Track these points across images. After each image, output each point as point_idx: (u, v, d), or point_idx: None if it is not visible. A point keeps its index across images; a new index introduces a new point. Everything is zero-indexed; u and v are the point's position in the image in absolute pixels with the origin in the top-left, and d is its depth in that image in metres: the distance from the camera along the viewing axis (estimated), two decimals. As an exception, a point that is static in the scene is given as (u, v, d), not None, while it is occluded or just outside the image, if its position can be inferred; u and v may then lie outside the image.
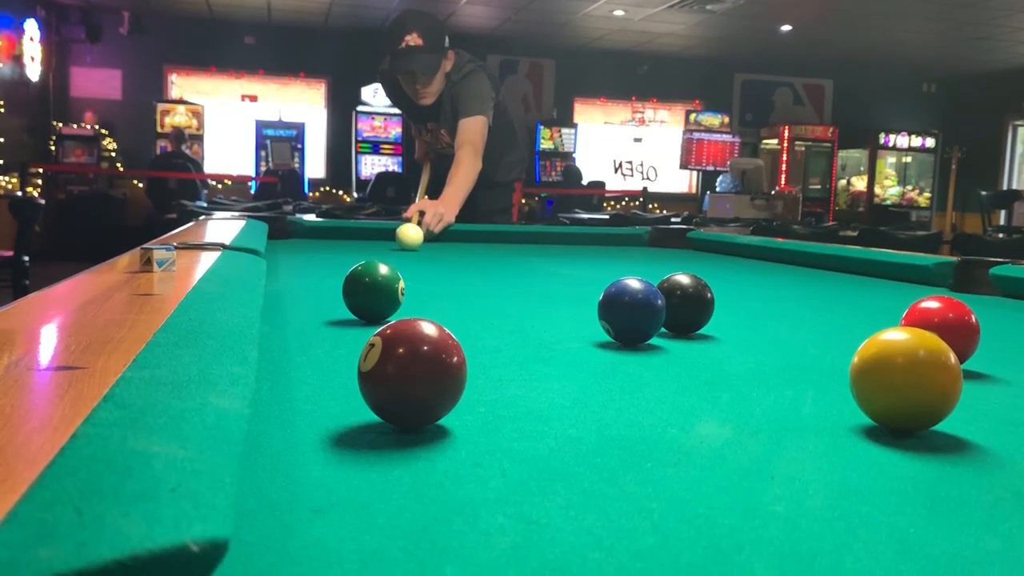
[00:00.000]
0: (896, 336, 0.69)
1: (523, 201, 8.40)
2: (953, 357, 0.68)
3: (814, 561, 0.44)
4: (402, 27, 3.02)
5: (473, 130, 3.06)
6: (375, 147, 10.73)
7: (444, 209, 2.80)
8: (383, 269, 1.17)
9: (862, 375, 0.69)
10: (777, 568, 0.43)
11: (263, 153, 10.29)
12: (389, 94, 3.52)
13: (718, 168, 11.25)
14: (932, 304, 0.96)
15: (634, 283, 1.04)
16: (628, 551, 0.44)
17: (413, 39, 2.99)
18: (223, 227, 2.04)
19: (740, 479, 0.57)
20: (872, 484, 0.57)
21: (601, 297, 1.06)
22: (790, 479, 0.58)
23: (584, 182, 11.07)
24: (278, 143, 10.24)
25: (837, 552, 0.45)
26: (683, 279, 1.15)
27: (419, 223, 2.68)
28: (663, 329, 1.12)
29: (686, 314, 1.14)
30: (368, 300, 1.17)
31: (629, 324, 1.04)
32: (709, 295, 1.16)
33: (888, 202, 12.37)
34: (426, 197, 3.14)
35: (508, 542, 0.45)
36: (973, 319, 0.94)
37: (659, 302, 1.04)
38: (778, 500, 0.53)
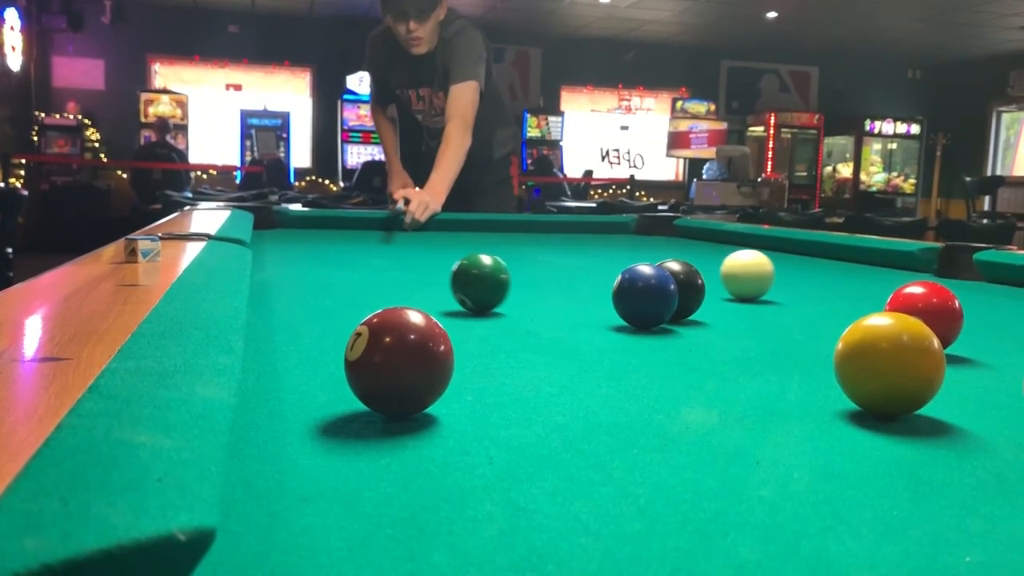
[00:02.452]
0: (880, 321, 0.70)
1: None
2: (936, 342, 0.69)
3: (799, 544, 0.44)
4: None
5: (464, 99, 2.94)
6: (359, 135, 10.68)
7: (430, 198, 2.75)
8: (487, 260, 1.21)
9: (846, 360, 0.70)
10: (762, 551, 0.43)
11: (248, 143, 10.23)
12: (371, 63, 3.29)
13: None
14: (916, 289, 0.96)
15: (647, 269, 1.07)
16: (615, 536, 0.44)
17: None
18: (208, 217, 2.03)
19: (726, 464, 0.58)
20: (856, 468, 0.57)
21: (616, 283, 1.09)
22: (775, 463, 0.58)
23: (557, 171, 11.05)
24: (263, 132, 10.18)
25: (821, 535, 0.46)
26: (674, 266, 1.16)
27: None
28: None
29: (681, 300, 1.15)
30: (478, 291, 1.20)
31: (644, 309, 1.09)
32: (700, 281, 1.18)
33: (873, 189, 12.43)
34: (410, 186, 3.10)
35: (496, 528, 0.45)
36: (956, 304, 0.95)
37: (672, 287, 1.08)
38: (763, 484, 0.54)
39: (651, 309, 1.09)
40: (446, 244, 2.36)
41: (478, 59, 3.01)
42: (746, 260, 1.39)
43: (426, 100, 3.19)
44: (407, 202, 2.69)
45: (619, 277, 1.09)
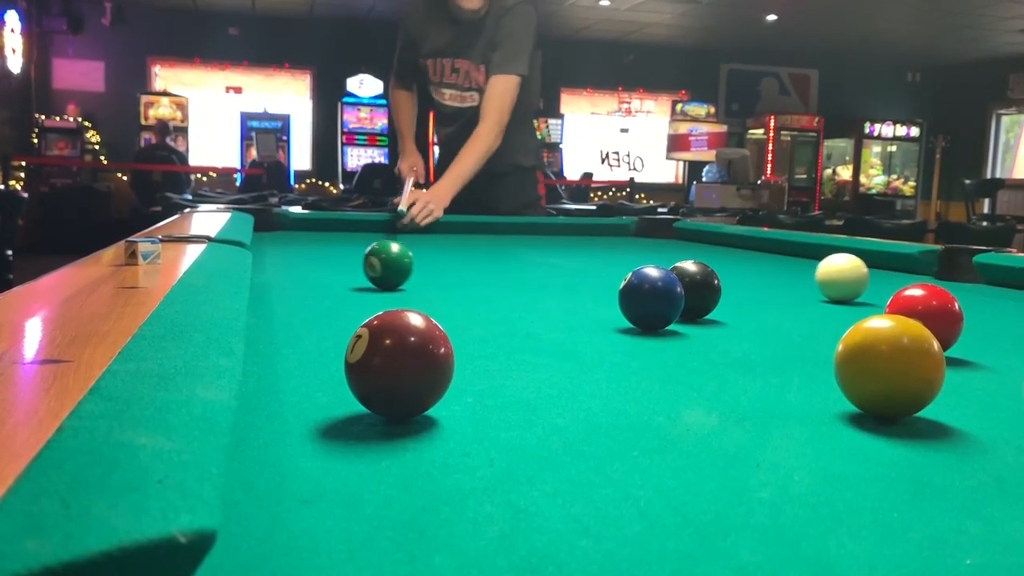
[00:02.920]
0: (880, 324, 0.70)
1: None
2: (936, 344, 0.69)
3: (799, 546, 0.44)
4: None
5: (505, 96, 2.74)
6: (360, 138, 10.69)
7: (435, 204, 2.66)
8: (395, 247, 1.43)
9: (847, 362, 0.70)
10: (762, 553, 0.43)
11: (248, 145, 10.23)
12: (406, 24, 3.02)
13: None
14: (916, 292, 0.97)
15: (654, 271, 1.08)
16: (615, 538, 0.44)
17: None
18: (208, 220, 2.03)
19: (726, 466, 0.58)
20: (856, 470, 0.57)
21: (622, 285, 1.10)
22: (775, 466, 0.58)
23: (567, 174, 11.06)
24: (263, 135, 10.18)
25: (822, 537, 0.46)
26: (691, 267, 1.19)
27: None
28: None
29: (697, 300, 1.19)
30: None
31: (651, 311, 1.09)
32: (716, 282, 1.21)
33: (873, 191, 12.43)
34: (420, 168, 2.92)
35: (496, 531, 0.45)
36: (956, 307, 0.95)
37: (678, 289, 1.09)
38: (763, 486, 0.54)
39: (658, 312, 1.09)
40: (446, 246, 2.36)
41: (527, 47, 2.82)
42: (842, 264, 1.43)
43: (461, 73, 2.93)
44: (411, 204, 2.66)
45: (625, 279, 1.10)
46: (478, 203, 2.85)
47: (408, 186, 2.74)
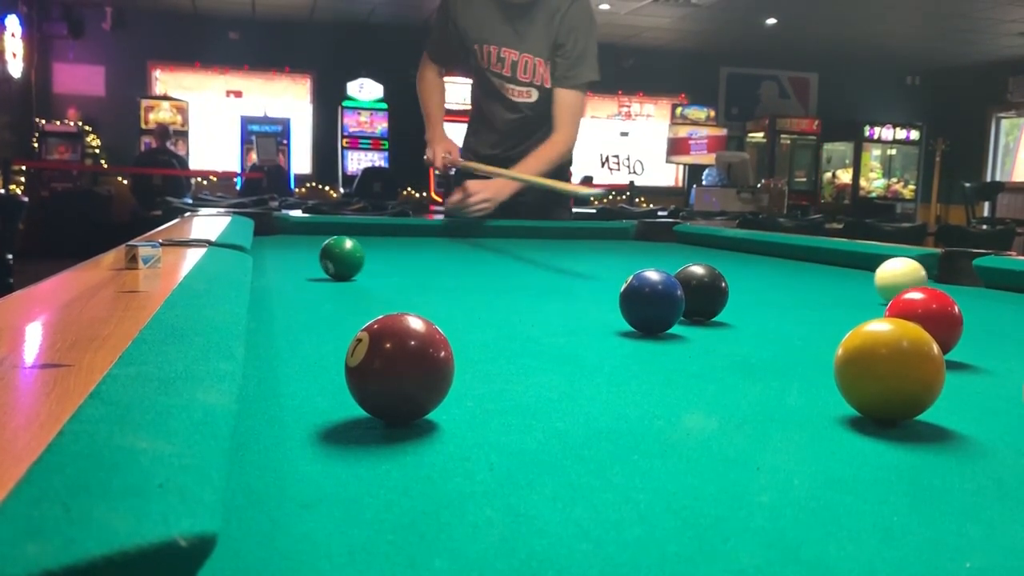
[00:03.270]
0: (880, 327, 0.70)
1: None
2: (936, 348, 0.69)
3: (799, 550, 0.44)
4: None
5: (577, 106, 2.62)
6: (360, 142, 10.69)
7: (493, 199, 2.56)
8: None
9: (846, 366, 0.70)
10: (762, 557, 0.43)
11: (248, 149, 10.24)
12: (448, 4, 2.83)
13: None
14: (916, 295, 0.97)
15: (654, 275, 1.09)
16: (615, 542, 0.44)
17: None
18: (209, 223, 2.03)
19: (726, 470, 0.58)
20: (856, 474, 0.57)
21: (623, 288, 1.10)
22: (775, 469, 0.58)
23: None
24: (263, 139, 10.19)
25: (822, 541, 0.46)
26: (699, 270, 1.21)
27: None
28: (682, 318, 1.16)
29: (706, 303, 1.21)
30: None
31: (650, 315, 1.10)
32: (723, 284, 1.22)
33: (873, 194, 12.44)
34: (455, 152, 2.76)
35: (496, 534, 0.45)
36: (956, 310, 0.95)
37: (679, 292, 1.10)
38: (763, 490, 0.54)
39: (659, 315, 1.10)
40: (445, 250, 2.37)
41: (594, 48, 2.69)
42: (900, 269, 1.45)
43: (506, 63, 2.75)
44: (466, 191, 2.55)
45: (626, 282, 1.10)
46: (525, 207, 2.77)
47: (456, 166, 2.56)
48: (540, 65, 2.72)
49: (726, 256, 2.44)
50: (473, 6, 2.77)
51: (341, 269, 1.57)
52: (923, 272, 1.44)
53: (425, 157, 2.88)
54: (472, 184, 2.65)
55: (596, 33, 2.74)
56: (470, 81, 3.04)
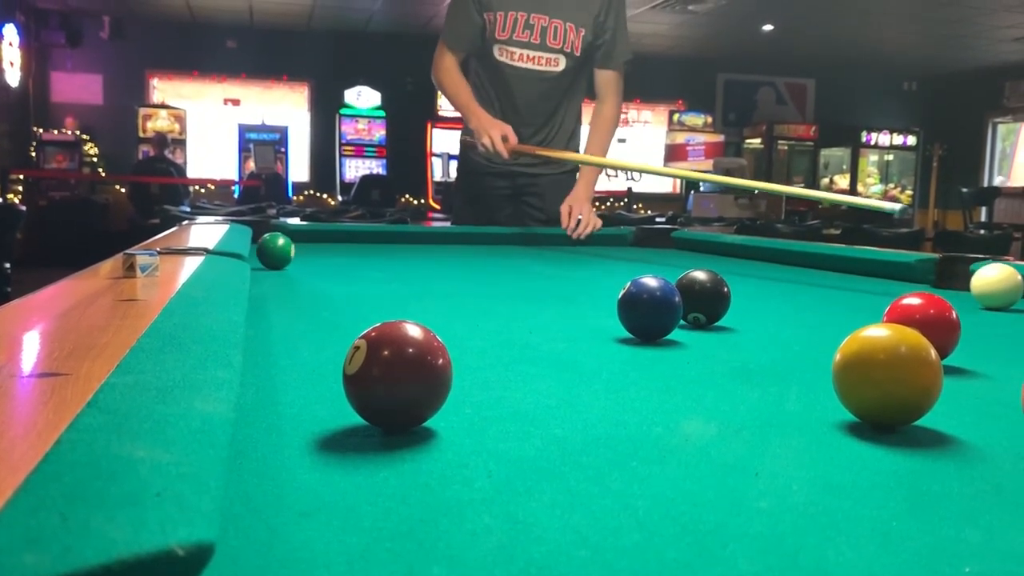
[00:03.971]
0: (878, 332, 0.70)
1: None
2: (934, 353, 0.69)
3: (797, 555, 0.44)
4: None
5: (621, 84, 2.71)
6: (359, 149, 10.71)
7: (588, 214, 2.58)
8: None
9: (844, 371, 0.70)
10: (761, 563, 0.43)
11: (246, 157, 10.25)
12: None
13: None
14: (913, 301, 0.97)
15: (652, 281, 1.09)
16: (614, 549, 0.44)
17: None
18: (206, 231, 2.03)
19: (724, 476, 0.58)
20: (854, 479, 0.57)
21: (621, 294, 1.10)
22: (774, 475, 0.58)
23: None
24: (261, 147, 10.21)
25: (820, 546, 0.46)
26: (701, 275, 1.22)
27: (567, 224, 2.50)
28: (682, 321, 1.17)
29: (708, 307, 1.22)
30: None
31: (649, 321, 1.10)
32: (726, 289, 1.23)
33: (871, 200, 12.44)
34: (507, 128, 2.60)
35: (494, 542, 0.45)
36: (954, 315, 0.95)
37: (676, 299, 1.10)
38: (762, 496, 0.54)
39: (657, 322, 1.10)
40: (443, 257, 2.37)
41: (627, 25, 2.75)
42: (997, 275, 1.49)
43: (535, 29, 2.65)
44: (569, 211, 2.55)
45: (624, 289, 1.10)
46: (533, 197, 2.78)
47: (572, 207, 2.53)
48: (571, 31, 2.67)
49: (724, 262, 2.44)
50: None
51: (272, 262, 1.84)
52: (1019, 277, 1.47)
53: (480, 147, 2.64)
54: (579, 202, 2.61)
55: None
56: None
